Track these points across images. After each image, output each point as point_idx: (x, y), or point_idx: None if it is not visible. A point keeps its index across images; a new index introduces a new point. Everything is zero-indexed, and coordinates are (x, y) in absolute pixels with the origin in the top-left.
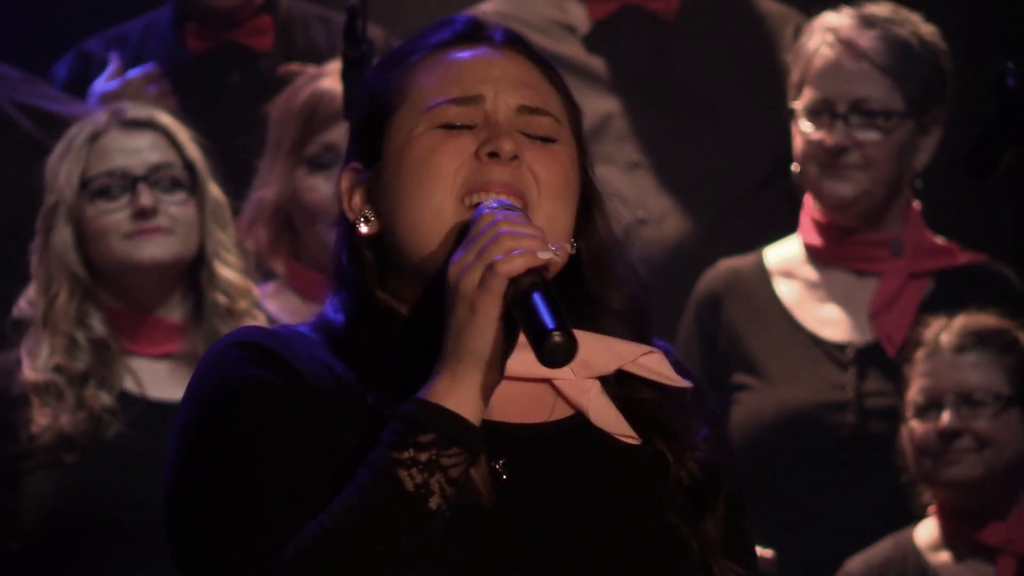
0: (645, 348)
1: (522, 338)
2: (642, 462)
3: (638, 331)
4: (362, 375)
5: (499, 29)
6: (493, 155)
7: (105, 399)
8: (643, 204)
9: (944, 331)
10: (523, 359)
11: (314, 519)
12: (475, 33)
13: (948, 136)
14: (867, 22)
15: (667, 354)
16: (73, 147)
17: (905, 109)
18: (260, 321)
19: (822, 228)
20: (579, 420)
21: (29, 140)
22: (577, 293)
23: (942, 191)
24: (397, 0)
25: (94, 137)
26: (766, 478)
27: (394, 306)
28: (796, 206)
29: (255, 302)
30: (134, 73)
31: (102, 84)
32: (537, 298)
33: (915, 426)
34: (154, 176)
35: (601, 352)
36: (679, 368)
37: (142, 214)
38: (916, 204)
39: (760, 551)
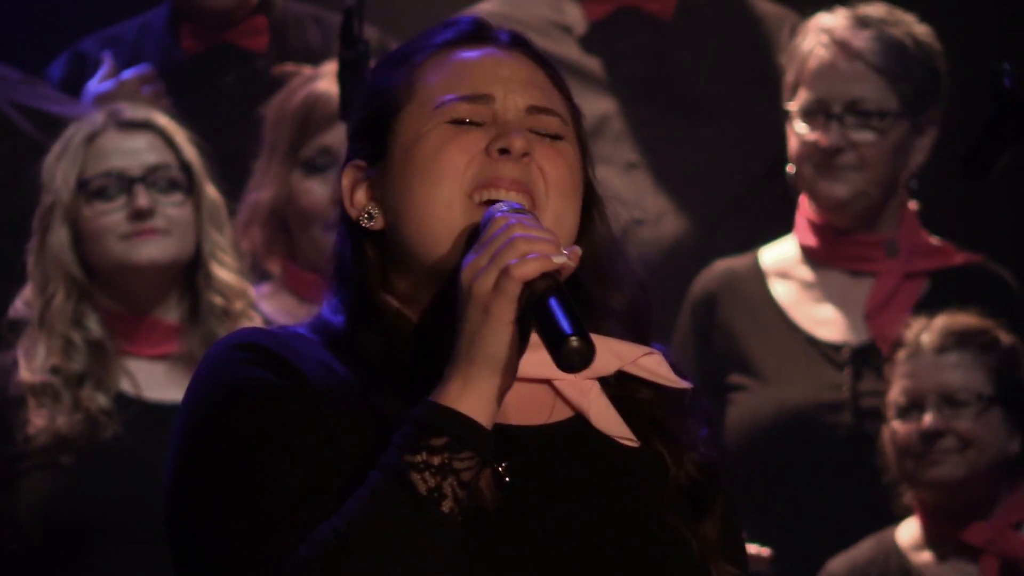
0: (645, 349)
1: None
2: (641, 464)
3: (637, 332)
4: (364, 376)
5: (505, 31)
6: (504, 151)
7: (102, 400)
8: (640, 204)
9: (925, 331)
10: (524, 360)
11: (319, 521)
12: (481, 34)
13: (946, 137)
14: (861, 23)
15: (664, 355)
16: (70, 148)
17: (900, 109)
18: (256, 322)
19: (817, 229)
20: (579, 422)
21: (28, 141)
22: (576, 294)
23: (940, 192)
24: (392, 1)
25: (91, 138)
26: (762, 478)
27: (396, 305)
28: (792, 207)
29: (251, 303)
30: (129, 74)
31: (96, 85)
32: (553, 303)
33: (897, 427)
34: (151, 177)
35: (602, 353)
36: (675, 369)
37: (139, 215)
38: (912, 204)
39: (757, 550)
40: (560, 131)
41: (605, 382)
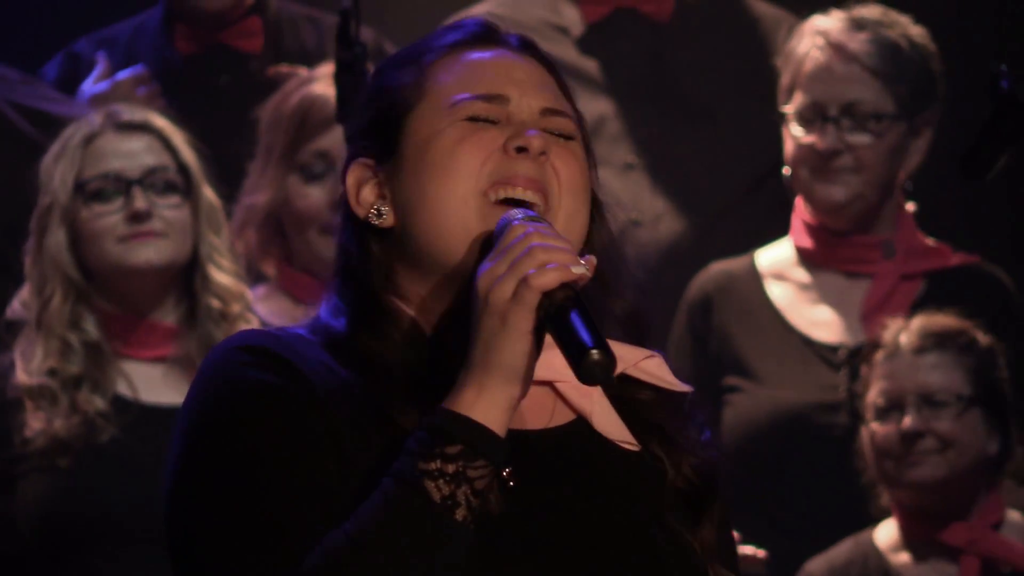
0: (646, 352)
1: None
2: (642, 468)
3: (636, 335)
4: (367, 378)
5: (514, 34)
6: (522, 149)
7: (99, 403)
8: (637, 205)
9: (903, 332)
10: None
11: (323, 526)
12: (490, 36)
13: (944, 139)
14: (857, 25)
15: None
16: (68, 149)
17: (896, 111)
18: (254, 324)
19: (813, 231)
20: (580, 426)
21: (26, 141)
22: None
23: (938, 194)
24: (388, 2)
25: (89, 139)
26: (759, 479)
27: (400, 306)
28: (788, 209)
29: (248, 306)
30: (124, 75)
31: (91, 86)
32: (574, 314)
33: (876, 428)
34: (149, 179)
35: None
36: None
37: (136, 217)
38: (910, 206)
39: (752, 551)
40: (573, 132)
41: (607, 385)
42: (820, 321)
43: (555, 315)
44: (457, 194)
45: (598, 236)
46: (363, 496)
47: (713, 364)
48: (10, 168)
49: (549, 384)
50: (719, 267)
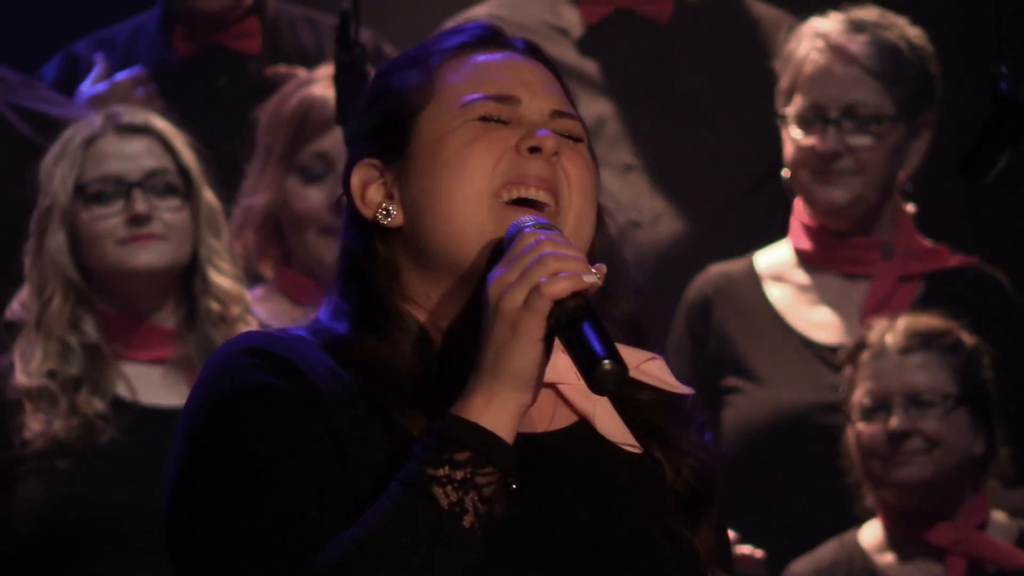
0: (648, 354)
1: None
2: (644, 471)
3: (637, 338)
4: (370, 380)
5: (519, 38)
6: (535, 150)
7: (98, 405)
8: (636, 206)
9: (888, 332)
10: None
11: (327, 529)
12: (495, 38)
13: (943, 141)
14: (856, 27)
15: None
16: (68, 150)
17: (896, 113)
18: (253, 326)
19: (812, 233)
20: (582, 428)
21: (26, 143)
22: None
23: (938, 196)
24: (386, 4)
25: (90, 141)
26: (758, 480)
27: (406, 307)
28: (788, 210)
29: (248, 308)
30: (122, 76)
31: (89, 86)
32: (586, 324)
33: (862, 428)
34: (149, 182)
35: None
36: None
37: (136, 220)
38: (909, 207)
39: (751, 551)
40: (581, 135)
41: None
42: (819, 322)
43: (567, 324)
44: (469, 193)
45: (599, 239)
46: (367, 499)
47: (712, 365)
48: (9, 170)
49: (551, 386)
50: (718, 269)
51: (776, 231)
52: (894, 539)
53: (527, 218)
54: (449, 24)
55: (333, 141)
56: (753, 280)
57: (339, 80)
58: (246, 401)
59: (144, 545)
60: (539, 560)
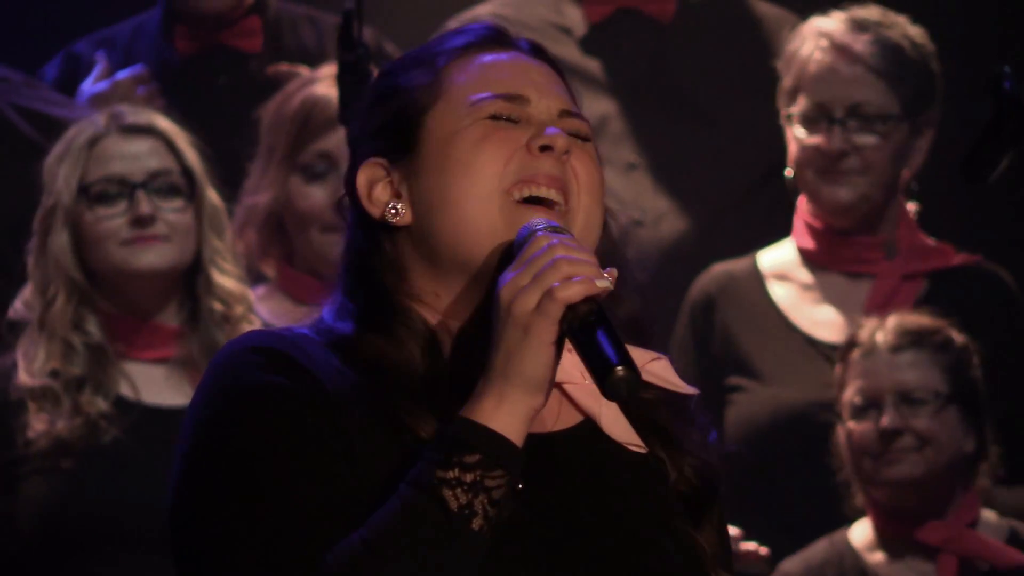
0: (653, 354)
1: None
2: (649, 471)
3: (641, 337)
4: (376, 379)
5: (524, 38)
6: (546, 148)
7: (101, 404)
8: (639, 205)
9: (879, 331)
10: None
11: (333, 530)
12: (501, 39)
13: (946, 140)
14: (859, 26)
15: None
16: (72, 150)
17: (900, 112)
18: (256, 327)
19: (816, 232)
20: (586, 428)
21: (28, 143)
22: None
23: (940, 195)
24: (388, 3)
25: (93, 142)
26: (762, 478)
27: (413, 306)
28: (791, 210)
29: (251, 308)
30: (123, 75)
31: (90, 85)
32: (599, 329)
33: (853, 427)
34: (153, 183)
35: None
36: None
37: (140, 221)
38: (911, 206)
39: (755, 548)
40: (589, 135)
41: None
42: (823, 321)
43: (579, 328)
44: (480, 191)
45: (603, 238)
46: (374, 500)
47: (715, 364)
48: (12, 170)
49: (557, 385)
50: (721, 268)
51: (779, 230)
52: (884, 538)
53: (539, 220)
54: (452, 24)
55: (336, 140)
56: (756, 279)
57: (342, 80)
58: (252, 400)
59: (147, 545)
60: (542, 560)
